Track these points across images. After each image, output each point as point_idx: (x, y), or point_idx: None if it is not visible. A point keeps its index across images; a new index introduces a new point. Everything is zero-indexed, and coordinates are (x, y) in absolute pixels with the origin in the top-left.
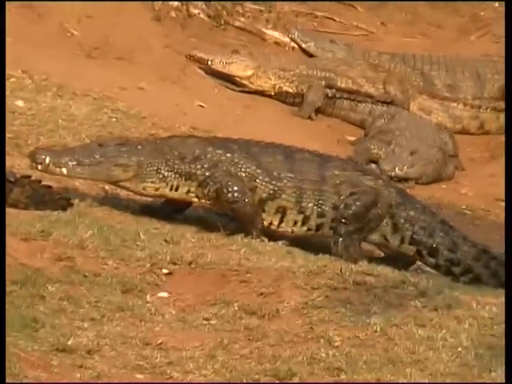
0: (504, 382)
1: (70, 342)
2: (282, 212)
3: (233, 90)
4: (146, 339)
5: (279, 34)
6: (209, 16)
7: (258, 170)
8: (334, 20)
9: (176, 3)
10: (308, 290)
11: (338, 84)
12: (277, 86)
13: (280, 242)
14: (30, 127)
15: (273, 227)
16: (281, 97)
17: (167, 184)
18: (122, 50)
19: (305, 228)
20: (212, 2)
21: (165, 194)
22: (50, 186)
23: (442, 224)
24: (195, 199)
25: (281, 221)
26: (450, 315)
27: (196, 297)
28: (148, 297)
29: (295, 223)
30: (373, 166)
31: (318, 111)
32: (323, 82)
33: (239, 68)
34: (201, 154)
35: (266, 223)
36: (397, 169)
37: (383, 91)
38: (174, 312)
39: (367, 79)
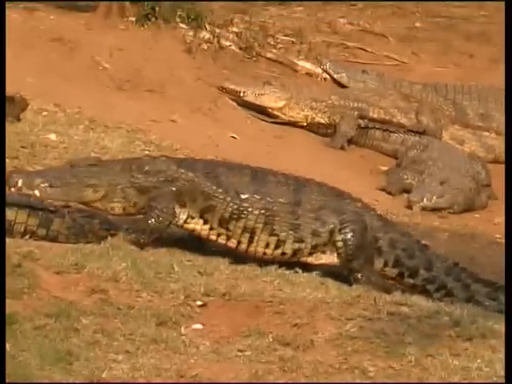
0: (504, 382)
1: (104, 375)
2: (251, 232)
3: (265, 121)
4: (180, 371)
5: (311, 64)
6: (240, 48)
7: (219, 190)
8: (366, 50)
9: (207, 35)
10: (342, 321)
11: (370, 114)
12: (309, 117)
13: (314, 273)
14: (62, 160)
15: (242, 247)
16: (313, 127)
17: (129, 201)
18: (153, 83)
19: (279, 251)
20: (243, 34)
21: (132, 213)
22: (90, 216)
23: (418, 243)
24: None
25: (250, 241)
26: (485, 345)
27: (230, 328)
28: (182, 329)
29: (267, 245)
30: (405, 195)
31: (350, 142)
32: (355, 113)
33: (271, 99)
34: (162, 169)
35: (233, 244)
36: (425, 199)
37: (415, 121)
38: (208, 344)
39: (399, 109)
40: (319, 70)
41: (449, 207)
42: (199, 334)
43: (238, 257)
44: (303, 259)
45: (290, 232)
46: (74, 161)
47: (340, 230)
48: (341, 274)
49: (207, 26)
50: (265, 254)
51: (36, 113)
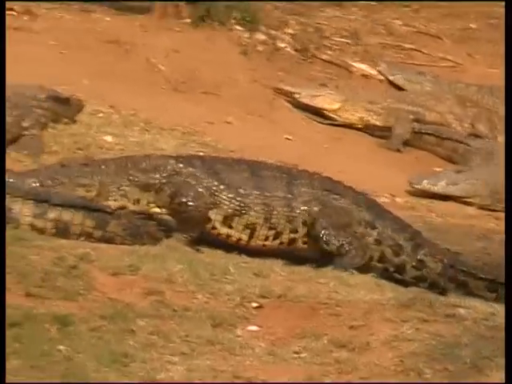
0: (504, 382)
1: (160, 377)
2: (252, 228)
3: (320, 122)
4: (235, 373)
5: (366, 66)
6: (296, 49)
7: (221, 186)
8: (421, 52)
9: (263, 37)
10: (398, 323)
11: (426, 119)
12: (364, 119)
13: (369, 275)
14: None
15: (242, 243)
16: (368, 129)
17: (129, 199)
18: (209, 85)
19: (277, 242)
20: (299, 36)
21: (133, 210)
22: (145, 218)
23: (410, 241)
24: (157, 209)
25: (250, 237)
26: None
27: (286, 330)
28: (238, 330)
29: (266, 238)
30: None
31: (405, 144)
32: (411, 116)
33: (326, 101)
34: (161, 165)
35: (234, 239)
36: (425, 182)
37: (471, 127)
38: (263, 345)
39: (455, 115)
40: (374, 72)
41: (466, 196)
42: (255, 336)
43: (293, 258)
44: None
45: (287, 224)
46: (65, 160)
47: (318, 219)
48: (392, 277)
49: (263, 28)
50: (264, 246)
51: (91, 114)
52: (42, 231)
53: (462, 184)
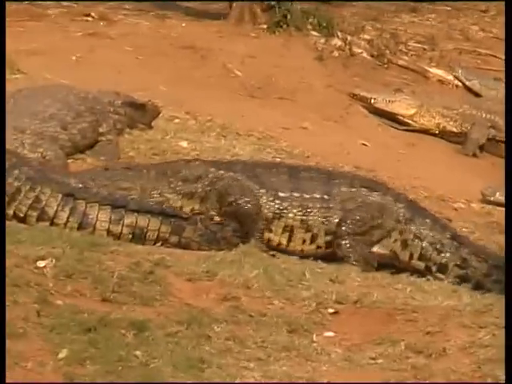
0: (504, 382)
1: (236, 383)
2: (290, 231)
3: (396, 128)
4: (312, 379)
5: (443, 72)
6: (372, 55)
7: (262, 190)
8: (498, 57)
9: (339, 43)
10: (475, 329)
11: (502, 127)
12: (440, 125)
13: (446, 281)
14: None
15: (282, 247)
16: (445, 135)
17: (171, 206)
18: (284, 90)
19: (314, 246)
20: (375, 41)
21: None
22: (221, 223)
23: (452, 240)
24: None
25: (289, 240)
26: None
27: (362, 336)
28: (314, 336)
29: (304, 241)
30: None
31: (481, 149)
32: (488, 123)
33: (402, 106)
34: (203, 174)
35: (274, 243)
36: (498, 194)
37: None
38: (340, 351)
39: None
40: (451, 77)
41: None
42: (331, 342)
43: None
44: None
45: (321, 226)
46: (108, 164)
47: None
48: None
49: (339, 34)
50: (302, 251)
51: (168, 120)
52: (117, 237)
53: None
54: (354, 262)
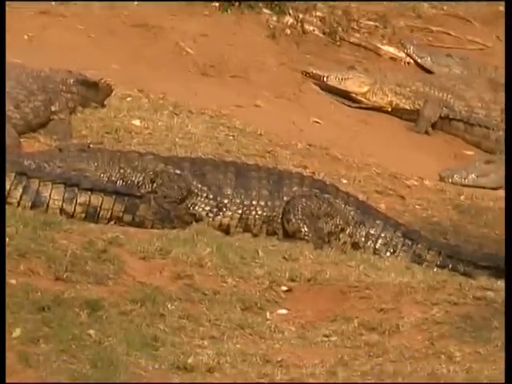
0: (504, 382)
1: (190, 361)
2: (226, 229)
3: (349, 106)
4: (266, 356)
5: (394, 49)
6: (324, 33)
7: (203, 188)
8: (450, 34)
9: (291, 20)
10: (428, 306)
11: (455, 105)
12: (393, 103)
13: (399, 258)
14: (147, 146)
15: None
16: (398, 113)
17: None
18: (237, 68)
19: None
20: (327, 19)
21: None
22: (175, 202)
23: (405, 238)
24: None
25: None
26: None
27: (315, 313)
28: (268, 314)
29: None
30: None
31: (434, 128)
32: (440, 102)
33: (355, 84)
34: (151, 166)
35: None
36: (456, 176)
37: (501, 114)
38: (293, 329)
39: (484, 102)
40: (403, 55)
41: (498, 187)
42: (285, 319)
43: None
44: None
45: (263, 225)
46: (62, 146)
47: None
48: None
49: (290, 11)
50: None
51: (120, 98)
52: (71, 215)
53: (493, 175)
54: (305, 235)
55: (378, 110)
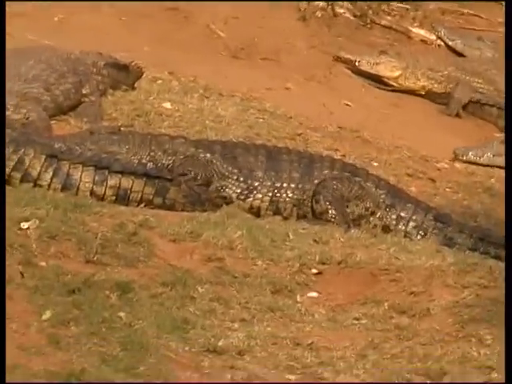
0: (504, 382)
1: (220, 343)
2: (256, 212)
3: (382, 89)
4: (296, 339)
5: (425, 31)
6: (354, 15)
7: (234, 170)
8: (481, 17)
9: (321, 3)
10: (458, 289)
11: (486, 91)
12: (426, 87)
13: (429, 241)
14: (177, 129)
15: None
16: (431, 97)
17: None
18: (267, 51)
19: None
20: (358, 2)
21: None
22: (206, 185)
23: (436, 221)
24: None
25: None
26: None
27: (346, 296)
28: (298, 297)
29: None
30: None
31: (465, 111)
32: (472, 85)
33: (387, 68)
34: (183, 152)
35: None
36: (471, 154)
37: None
38: (324, 312)
39: None
40: (434, 37)
41: None
42: (315, 302)
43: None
44: None
45: (294, 208)
46: (93, 128)
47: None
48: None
49: None
50: None
51: (151, 81)
52: (101, 198)
53: None
54: (332, 217)
55: (411, 93)
